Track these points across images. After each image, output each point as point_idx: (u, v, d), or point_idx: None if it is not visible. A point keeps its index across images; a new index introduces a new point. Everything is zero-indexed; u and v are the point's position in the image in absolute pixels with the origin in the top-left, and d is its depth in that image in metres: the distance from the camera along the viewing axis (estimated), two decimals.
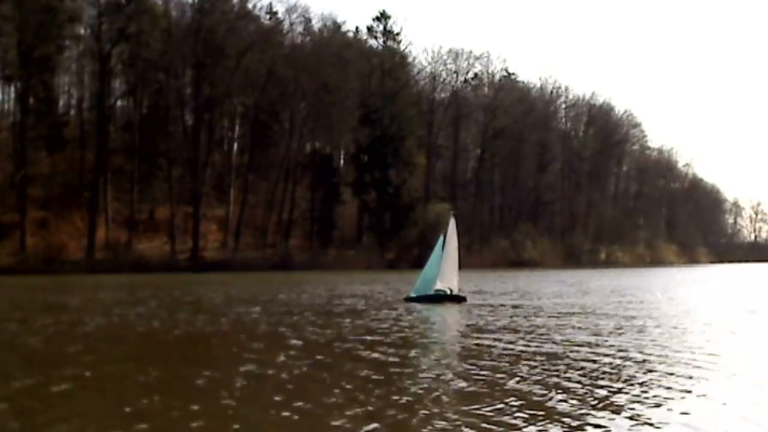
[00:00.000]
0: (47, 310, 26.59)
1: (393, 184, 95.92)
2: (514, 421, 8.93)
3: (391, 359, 13.97)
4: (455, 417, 9.11)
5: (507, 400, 9.96)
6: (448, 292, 28.62)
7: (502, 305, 28.42)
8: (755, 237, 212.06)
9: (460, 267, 29.46)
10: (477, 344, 16.23)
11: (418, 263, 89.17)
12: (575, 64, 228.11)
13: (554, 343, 16.40)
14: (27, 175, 72.56)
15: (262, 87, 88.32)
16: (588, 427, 8.68)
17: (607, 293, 37.82)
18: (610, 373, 12.26)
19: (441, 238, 29.29)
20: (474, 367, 12.84)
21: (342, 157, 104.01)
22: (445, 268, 28.54)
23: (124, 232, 78.67)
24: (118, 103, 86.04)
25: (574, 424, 8.83)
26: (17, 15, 72.98)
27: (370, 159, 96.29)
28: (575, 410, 9.48)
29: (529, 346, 15.93)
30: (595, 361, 13.56)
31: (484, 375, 12.01)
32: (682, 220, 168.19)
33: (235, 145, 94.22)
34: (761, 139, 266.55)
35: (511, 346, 15.88)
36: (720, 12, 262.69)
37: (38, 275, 61.39)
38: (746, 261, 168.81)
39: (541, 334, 18.17)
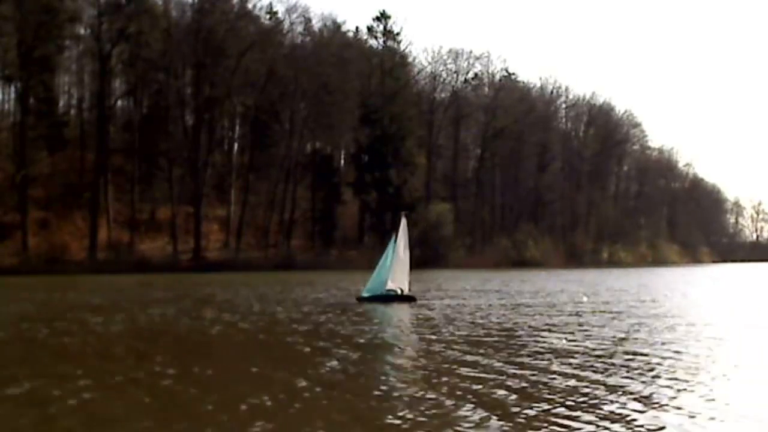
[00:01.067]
0: (89, 310, 26.48)
1: (394, 184, 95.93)
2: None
3: None
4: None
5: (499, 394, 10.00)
6: (399, 292, 28.86)
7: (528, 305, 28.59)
8: (757, 237, 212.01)
9: (411, 267, 29.65)
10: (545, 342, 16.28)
11: (421, 263, 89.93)
12: (575, 64, 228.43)
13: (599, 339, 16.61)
14: (28, 175, 72.55)
15: (263, 87, 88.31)
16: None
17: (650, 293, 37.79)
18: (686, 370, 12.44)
19: (393, 238, 29.43)
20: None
21: (342, 157, 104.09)
22: (396, 269, 28.76)
23: (125, 233, 78.74)
24: (119, 103, 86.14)
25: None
26: (17, 15, 72.94)
27: (371, 159, 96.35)
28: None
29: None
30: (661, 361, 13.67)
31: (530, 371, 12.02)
32: (683, 220, 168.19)
33: (236, 145, 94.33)
34: (762, 138, 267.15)
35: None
36: (720, 12, 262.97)
37: (41, 276, 61.42)
38: (749, 261, 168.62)
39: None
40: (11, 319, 22.96)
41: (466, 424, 8.65)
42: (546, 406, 9.62)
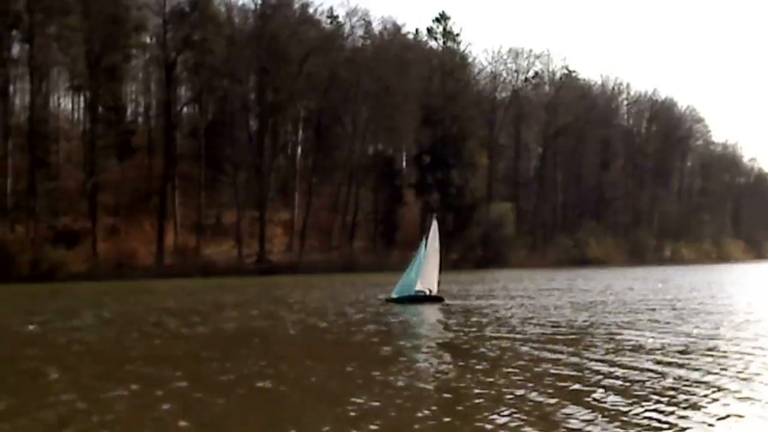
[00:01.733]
0: (169, 314, 27.01)
1: (455, 185, 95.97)
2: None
3: None
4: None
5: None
6: (428, 293, 29.00)
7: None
8: None
9: (441, 268, 29.78)
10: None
11: (482, 263, 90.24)
12: (636, 60, 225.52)
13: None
14: (97, 182, 73.99)
15: (325, 91, 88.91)
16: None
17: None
18: None
19: (423, 240, 29.63)
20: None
21: (404, 158, 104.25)
22: (425, 270, 28.94)
23: (192, 237, 79.82)
24: (184, 110, 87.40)
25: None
26: (85, 26, 74.54)
27: (432, 160, 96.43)
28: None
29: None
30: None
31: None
32: (748, 216, 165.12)
33: (299, 149, 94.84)
34: None
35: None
36: None
37: (110, 281, 62.64)
38: None
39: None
40: (97, 324, 23.55)
41: (574, 425, 8.75)
42: (650, 405, 9.67)
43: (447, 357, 14.46)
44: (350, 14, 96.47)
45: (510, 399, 10.14)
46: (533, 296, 33.67)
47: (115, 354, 16.48)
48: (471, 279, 57.02)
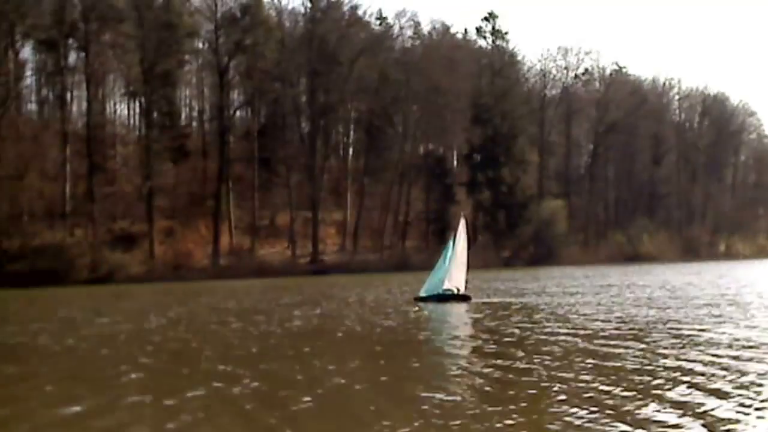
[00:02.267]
0: (233, 314, 27.19)
1: (506, 183, 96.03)
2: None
3: None
4: None
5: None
6: (455, 291, 29.06)
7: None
8: None
9: (468, 267, 29.83)
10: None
11: (534, 261, 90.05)
12: (686, 56, 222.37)
13: None
14: (153, 186, 75.28)
15: (375, 92, 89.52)
16: None
17: None
18: None
19: (451, 239, 29.73)
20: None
21: (455, 157, 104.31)
22: (453, 269, 28.99)
23: (246, 239, 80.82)
24: (237, 113, 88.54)
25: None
26: (139, 33, 75.91)
27: (483, 158, 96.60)
28: None
29: None
30: None
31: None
32: None
33: (351, 150, 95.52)
34: None
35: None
36: None
37: (167, 282, 63.53)
38: None
39: None
40: (165, 324, 23.92)
41: (662, 421, 8.61)
42: (734, 401, 9.50)
43: (519, 353, 14.52)
44: (399, 15, 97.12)
45: (587, 396, 10.05)
46: (591, 293, 33.53)
47: (188, 353, 16.72)
48: (524, 276, 56.91)
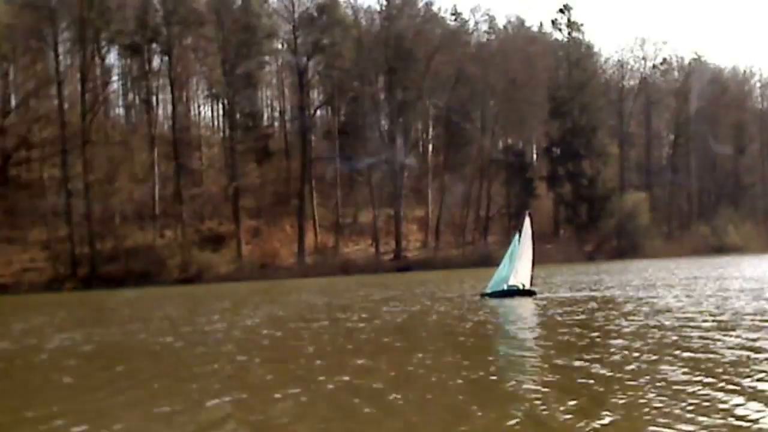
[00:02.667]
0: (328, 310, 27.57)
1: (587, 176, 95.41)
2: None
3: None
4: None
5: None
6: (521, 287, 29.01)
7: None
8: None
9: (534, 262, 29.66)
10: None
11: (618, 254, 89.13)
12: (766, 43, 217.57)
13: None
14: (239, 186, 76.58)
15: (452, 87, 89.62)
16: None
17: None
18: None
19: (516, 235, 29.66)
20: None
21: (535, 151, 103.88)
22: (519, 265, 28.90)
23: (330, 237, 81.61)
24: (318, 112, 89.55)
25: None
26: (220, 35, 77.41)
27: (563, 152, 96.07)
28: None
29: None
30: None
31: None
32: None
33: (430, 146, 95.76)
34: None
35: None
36: None
37: (254, 281, 64.43)
38: None
39: None
40: (272, 321, 23.96)
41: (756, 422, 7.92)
42: None
43: (611, 347, 14.17)
44: (474, 10, 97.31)
45: (687, 390, 9.37)
46: (678, 285, 32.75)
47: (284, 350, 16.73)
48: (608, 269, 56.14)
